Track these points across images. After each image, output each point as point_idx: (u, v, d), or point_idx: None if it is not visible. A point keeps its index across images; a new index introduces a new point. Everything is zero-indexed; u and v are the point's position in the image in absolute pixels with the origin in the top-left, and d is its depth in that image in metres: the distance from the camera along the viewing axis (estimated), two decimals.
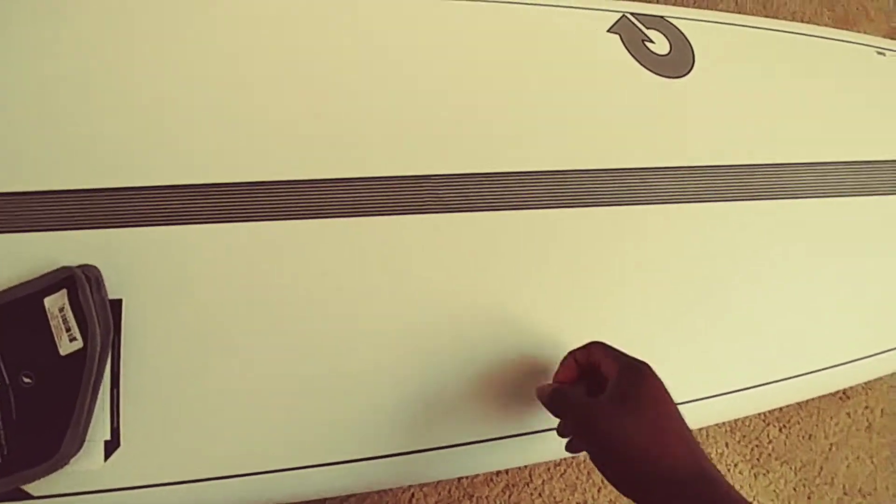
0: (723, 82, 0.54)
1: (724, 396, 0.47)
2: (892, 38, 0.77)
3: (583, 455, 0.39)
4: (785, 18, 0.83)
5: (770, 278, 0.50)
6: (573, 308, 0.44)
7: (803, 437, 0.77)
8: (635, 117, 0.50)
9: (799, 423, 0.77)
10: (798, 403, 0.77)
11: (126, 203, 0.42)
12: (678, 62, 0.53)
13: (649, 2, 0.57)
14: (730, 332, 0.48)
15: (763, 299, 0.49)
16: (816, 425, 0.77)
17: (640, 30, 0.54)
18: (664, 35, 0.54)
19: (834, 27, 0.72)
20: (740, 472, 0.75)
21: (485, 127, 0.48)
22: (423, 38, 0.50)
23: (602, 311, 0.45)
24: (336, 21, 0.48)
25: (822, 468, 0.76)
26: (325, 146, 0.44)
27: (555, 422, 0.38)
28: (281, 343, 0.41)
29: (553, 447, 0.41)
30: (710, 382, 0.47)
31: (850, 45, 0.58)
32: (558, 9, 0.53)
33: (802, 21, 0.82)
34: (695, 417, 0.42)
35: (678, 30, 0.54)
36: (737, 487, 0.31)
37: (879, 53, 0.59)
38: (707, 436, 0.76)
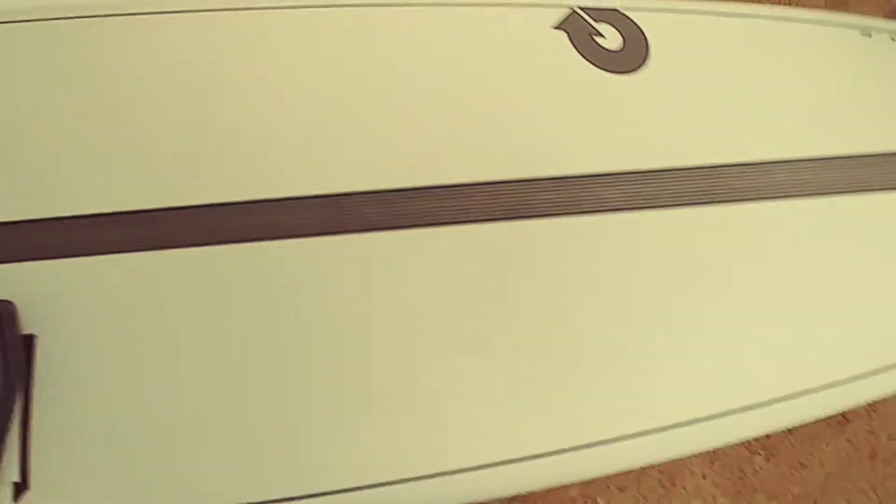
0: (681, 75, 0.49)
1: (701, 423, 0.42)
2: (892, 19, 0.71)
3: None
4: (777, 2, 0.77)
5: (748, 289, 0.45)
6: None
7: (795, 467, 0.69)
8: (582, 120, 0.46)
9: (790, 450, 0.69)
10: (788, 429, 0.70)
11: (51, 234, 0.41)
12: (631, 56, 0.49)
13: None
14: (700, 351, 0.44)
15: (741, 313, 0.45)
16: (810, 454, 0.69)
17: (589, 24, 0.50)
18: (616, 28, 0.50)
19: (826, 9, 0.67)
20: None
21: (420, 138, 0.45)
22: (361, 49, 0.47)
23: (565, 337, 0.42)
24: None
25: (816, 503, 0.68)
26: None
27: None
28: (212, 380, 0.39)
29: None
30: (684, 407, 0.42)
31: (831, 28, 0.53)
32: (501, 8, 0.50)
33: (792, 4, 0.76)
34: (667, 447, 0.38)
35: (632, 21, 0.50)
36: None
37: (865, 34, 0.53)
38: (682, 465, 0.69)
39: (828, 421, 0.69)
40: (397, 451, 0.38)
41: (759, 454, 0.68)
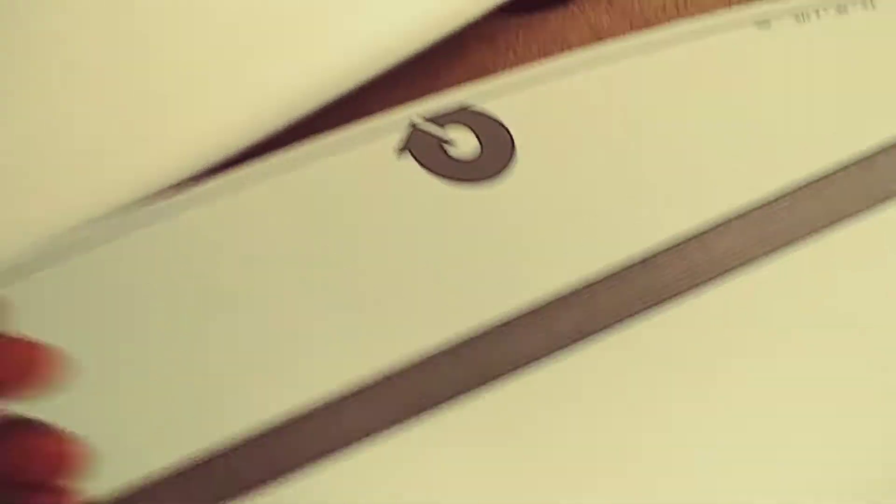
0: (560, 163, 0.41)
1: None
2: None
3: None
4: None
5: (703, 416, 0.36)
6: None
7: None
8: (444, 254, 0.39)
9: None
10: None
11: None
12: (492, 158, 0.42)
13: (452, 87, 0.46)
14: None
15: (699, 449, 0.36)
16: None
17: (434, 135, 0.43)
18: (470, 128, 0.43)
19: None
20: None
21: None
22: None
23: None
24: None
25: None
26: None
27: None
28: None
29: None
30: None
31: (720, 35, 0.44)
32: (336, 154, 0.43)
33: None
34: None
35: (487, 115, 0.43)
36: None
37: (761, 25, 0.44)
38: None
39: None
40: None
41: None
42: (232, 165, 0.45)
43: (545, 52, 0.64)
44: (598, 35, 0.60)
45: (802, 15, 0.45)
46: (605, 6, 0.65)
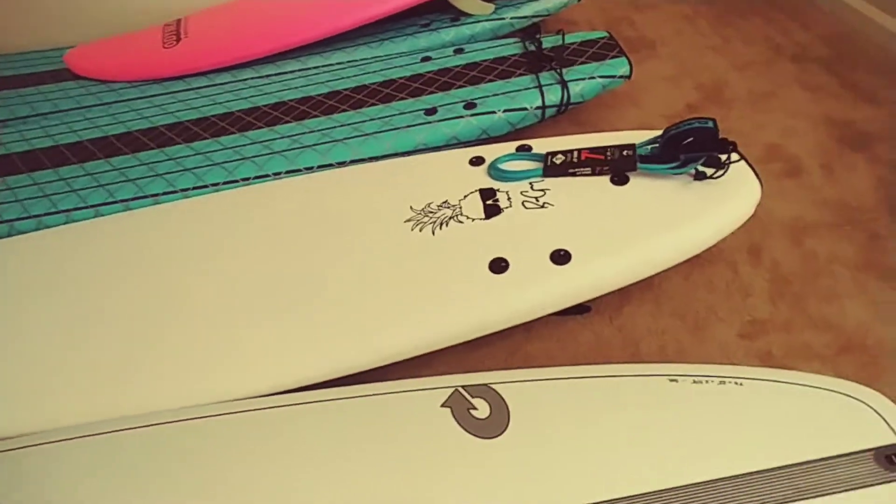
0: (536, 433, 0.70)
1: None
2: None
3: None
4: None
5: None
6: None
7: None
8: (457, 484, 0.66)
9: None
10: None
11: None
12: (495, 423, 0.71)
13: (481, 370, 0.78)
14: None
15: None
16: None
17: (467, 400, 0.73)
18: (486, 401, 0.73)
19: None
20: None
21: None
22: None
23: None
24: None
25: None
26: None
27: None
28: None
29: None
30: None
31: (644, 377, 0.74)
32: (402, 394, 0.73)
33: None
34: None
35: (498, 394, 0.73)
36: None
37: (672, 381, 0.74)
38: None
39: None
40: None
41: None
42: (323, 387, 0.75)
43: (550, 353, 0.98)
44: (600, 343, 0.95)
45: (700, 380, 0.75)
46: (608, 322, 0.98)
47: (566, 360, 0.96)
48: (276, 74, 1.47)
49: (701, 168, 0.87)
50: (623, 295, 1.01)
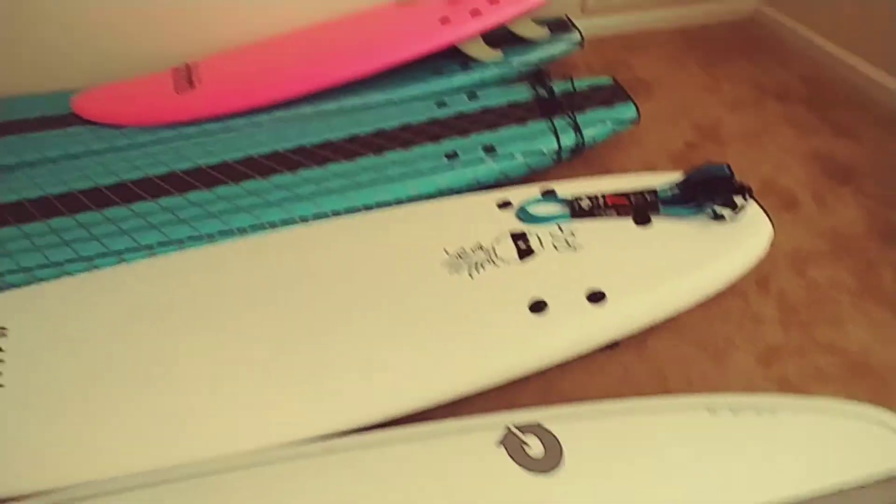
0: (590, 471, 0.73)
1: None
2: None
3: None
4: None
5: None
6: None
7: None
8: None
9: None
10: None
11: None
12: (550, 459, 0.74)
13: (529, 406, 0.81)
14: None
15: None
16: None
17: (520, 438, 0.76)
18: (538, 438, 0.76)
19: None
20: None
21: None
22: None
23: None
24: None
25: None
26: None
27: None
28: None
29: None
30: None
31: (680, 413, 0.79)
32: (454, 436, 0.76)
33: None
34: None
35: (548, 431, 0.76)
36: None
37: (710, 412, 0.79)
38: None
39: None
40: None
41: None
42: (376, 428, 0.77)
43: (583, 386, 1.01)
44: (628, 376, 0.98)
45: (737, 410, 0.79)
46: (635, 354, 1.03)
47: (598, 393, 1.00)
48: (291, 119, 1.52)
49: (719, 210, 0.94)
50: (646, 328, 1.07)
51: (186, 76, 1.64)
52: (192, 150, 1.43)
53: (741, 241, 0.94)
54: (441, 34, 1.48)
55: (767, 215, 0.98)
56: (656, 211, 0.96)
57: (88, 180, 1.39)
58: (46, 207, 1.30)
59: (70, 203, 1.30)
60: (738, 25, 1.97)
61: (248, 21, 1.78)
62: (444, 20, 1.51)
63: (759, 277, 1.18)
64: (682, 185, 0.98)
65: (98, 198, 1.31)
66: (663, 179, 1.05)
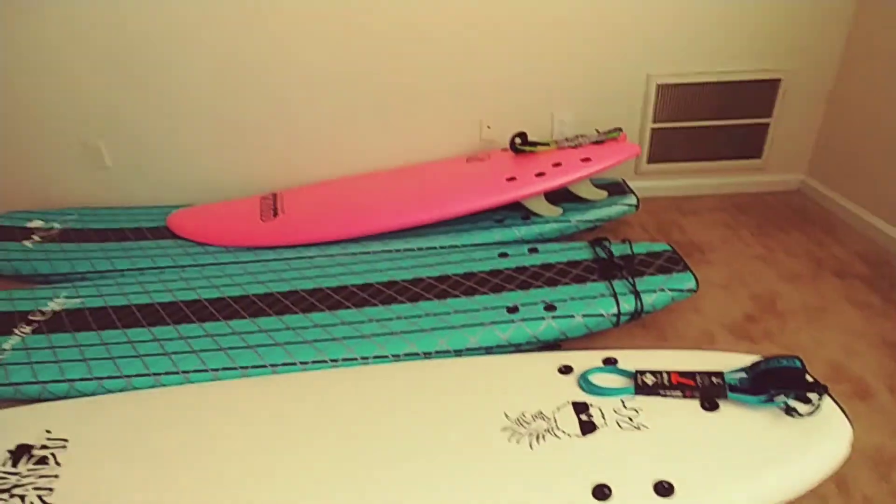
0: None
1: None
2: None
3: None
4: None
5: None
6: None
7: None
8: None
9: None
10: None
11: None
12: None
13: None
14: None
15: None
16: None
17: None
18: None
19: None
20: None
21: None
22: None
23: None
24: None
25: None
26: None
27: None
28: None
29: None
30: None
31: None
32: None
33: None
34: None
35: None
36: None
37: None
38: None
39: None
40: None
41: None
42: None
43: None
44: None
45: None
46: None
47: None
48: (361, 253, 1.62)
49: (792, 404, 0.91)
50: None
51: (272, 205, 1.81)
52: (267, 276, 1.54)
53: (819, 441, 0.89)
54: (507, 192, 1.60)
55: (845, 414, 0.94)
56: (724, 396, 0.94)
57: (170, 294, 1.50)
58: (128, 318, 1.40)
59: (150, 315, 1.40)
60: (786, 196, 2.04)
61: (331, 160, 1.99)
62: (511, 179, 1.65)
63: (838, 478, 1.09)
64: (751, 372, 0.97)
65: (176, 313, 1.40)
66: (729, 361, 1.04)
